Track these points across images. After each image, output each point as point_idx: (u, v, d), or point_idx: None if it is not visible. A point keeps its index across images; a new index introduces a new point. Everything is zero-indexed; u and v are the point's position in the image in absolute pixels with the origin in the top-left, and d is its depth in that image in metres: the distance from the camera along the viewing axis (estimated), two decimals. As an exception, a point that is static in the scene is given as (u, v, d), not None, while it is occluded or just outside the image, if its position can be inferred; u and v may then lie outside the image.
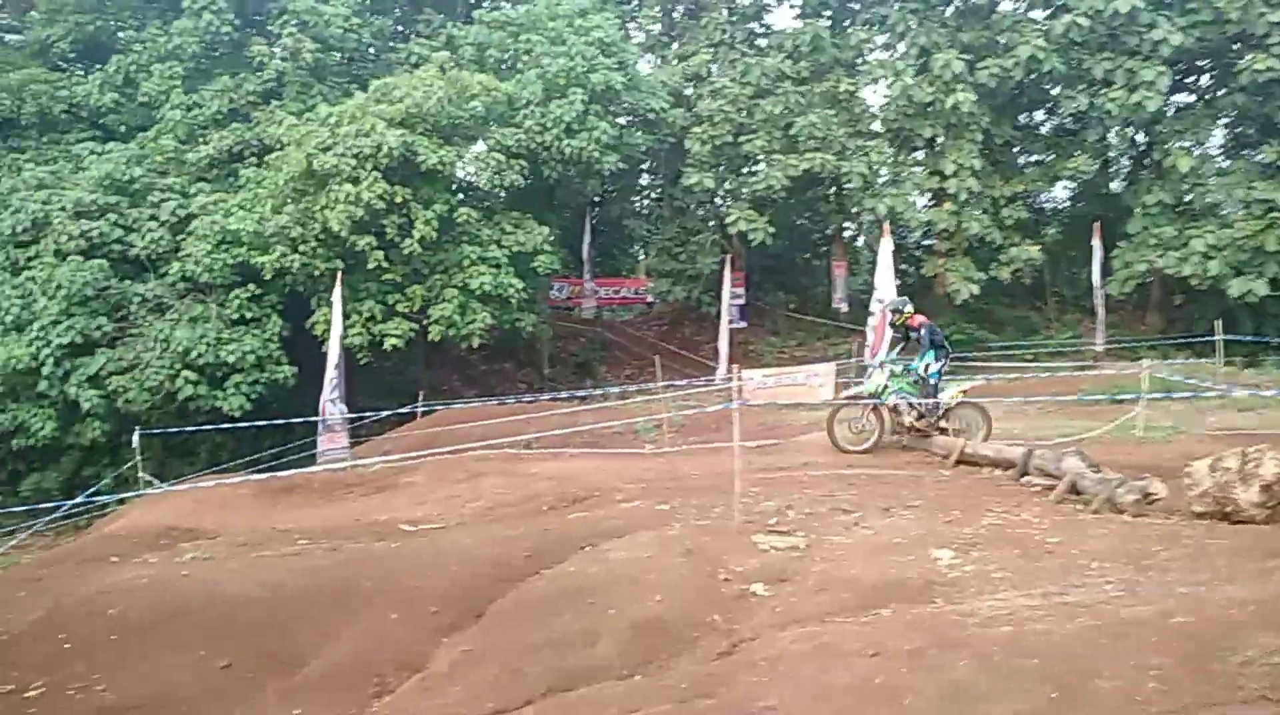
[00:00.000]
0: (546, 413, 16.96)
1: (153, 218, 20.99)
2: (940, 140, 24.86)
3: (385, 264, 20.71)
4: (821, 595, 6.51)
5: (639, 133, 25.66)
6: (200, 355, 19.80)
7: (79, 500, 12.75)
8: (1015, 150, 27.59)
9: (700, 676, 5.56)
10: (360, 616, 7.19)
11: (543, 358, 26.95)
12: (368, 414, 19.02)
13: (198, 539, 9.42)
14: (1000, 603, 6.09)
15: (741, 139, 24.59)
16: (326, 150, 20.16)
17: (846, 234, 28.68)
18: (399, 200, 20.52)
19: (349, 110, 20.91)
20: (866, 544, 7.59)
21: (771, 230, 24.43)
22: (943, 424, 11.87)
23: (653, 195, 32.89)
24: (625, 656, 6.03)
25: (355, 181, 20.01)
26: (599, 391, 22.19)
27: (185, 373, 19.68)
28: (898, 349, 12.39)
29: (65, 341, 19.42)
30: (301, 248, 20.31)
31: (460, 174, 23.65)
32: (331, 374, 17.72)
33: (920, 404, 11.68)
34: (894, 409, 11.78)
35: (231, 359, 20.03)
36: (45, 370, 19.39)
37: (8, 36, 28.38)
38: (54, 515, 13.04)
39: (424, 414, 20.00)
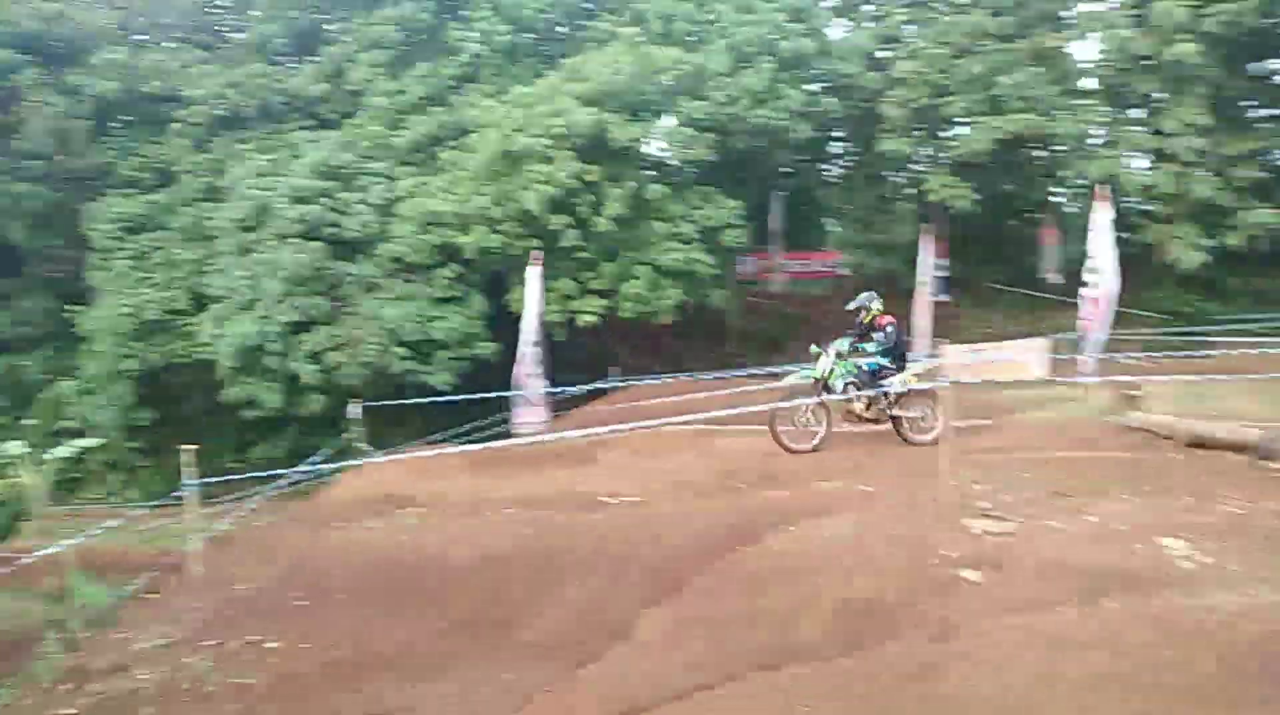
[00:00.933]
0: (736, 389, 16.87)
1: (362, 201, 22.19)
2: (1160, 96, 22.96)
3: (578, 242, 21.14)
4: (1040, 583, 6.18)
5: (831, 99, 25.02)
6: (409, 332, 20.90)
7: (305, 467, 13.68)
8: (1247, 103, 25.11)
9: (911, 662, 5.40)
10: (567, 583, 7.37)
11: (731, 333, 26.87)
12: (564, 389, 19.53)
13: (414, 505, 9.93)
14: (1244, 599, 5.60)
15: (941, 101, 23.55)
16: (520, 131, 20.75)
17: (1056, 200, 27.04)
18: (590, 179, 20.88)
19: (541, 91, 21.43)
20: (1088, 530, 7.14)
21: (974, 197, 23.33)
22: (896, 412, 11.31)
23: (845, 164, 32.01)
24: (831, 637, 5.92)
25: (548, 161, 20.51)
26: (791, 368, 21.93)
27: (396, 349, 20.82)
28: (849, 342, 11.67)
29: (287, 319, 20.87)
30: (500, 228, 21.00)
31: (649, 150, 23.80)
32: (528, 350, 18.29)
33: (871, 392, 11.21)
34: (846, 397, 11.23)
35: (438, 335, 21.04)
36: (270, 347, 20.93)
37: (232, 35, 30.62)
38: (285, 482, 14.04)
39: (615, 389, 20.37)
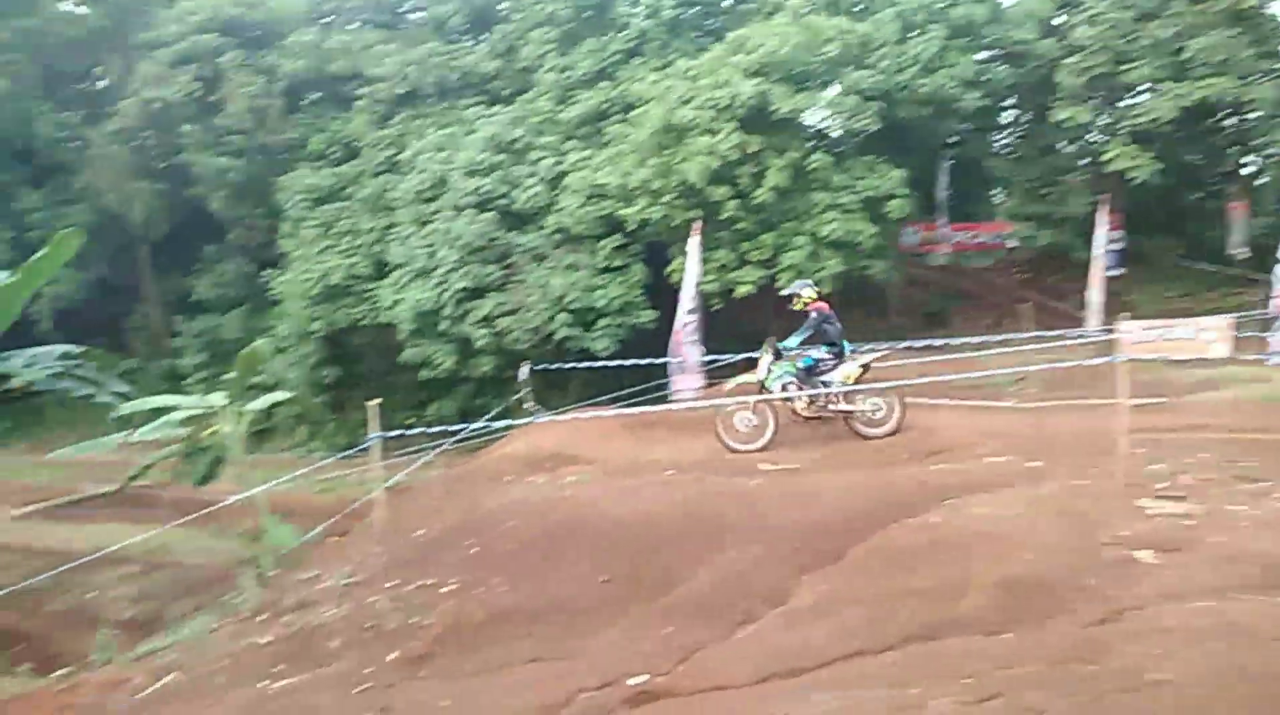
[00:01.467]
0: (896, 362, 16.59)
1: (532, 174, 22.92)
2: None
3: (738, 213, 21.18)
4: (1219, 568, 5.93)
5: (1002, 67, 24.06)
6: (573, 300, 21.54)
7: (478, 424, 14.35)
8: None
9: (1077, 640, 5.29)
10: (725, 547, 7.56)
11: (891, 305, 26.35)
12: (720, 357, 19.70)
13: (577, 464, 10.33)
14: None
15: (1122, 68, 22.25)
16: (685, 104, 20.93)
17: (1247, 170, 25.17)
18: (752, 150, 20.86)
19: (706, 64, 21.50)
20: (1274, 516, 6.79)
21: (1156, 167, 22.00)
22: (846, 406, 10.95)
23: (1016, 133, 30.68)
24: (993, 612, 5.84)
25: (712, 133, 20.60)
26: (955, 341, 21.38)
27: (560, 316, 21.51)
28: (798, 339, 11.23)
29: (461, 286, 21.89)
30: (662, 199, 21.27)
31: (812, 120, 23.53)
32: (686, 318, 18.51)
33: (810, 391, 10.90)
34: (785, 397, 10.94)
35: (600, 304, 21.60)
36: (445, 311, 22.02)
37: (411, 16, 31.98)
38: (457, 438, 14.77)
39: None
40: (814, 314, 11.29)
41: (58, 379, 14.41)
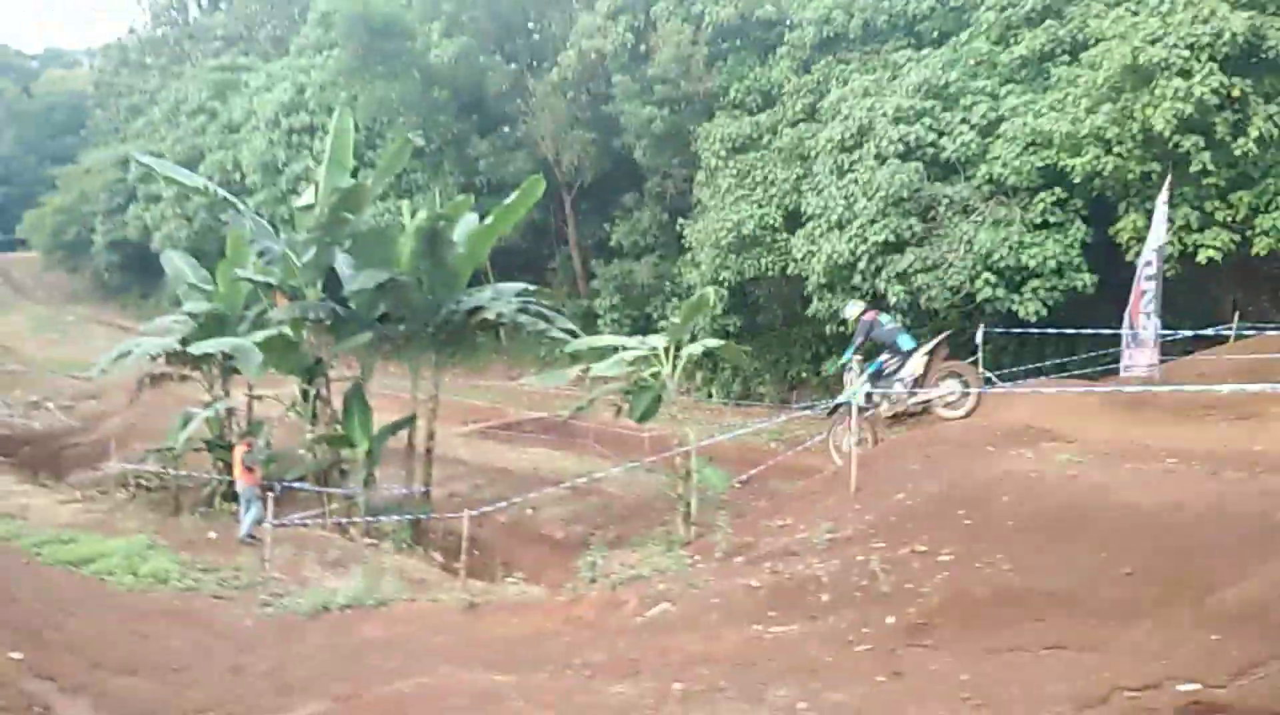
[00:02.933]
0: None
1: (963, 121, 21.52)
2: None
3: (1209, 167, 18.48)
4: None
5: None
6: (1000, 258, 20.06)
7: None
8: None
9: None
10: (1275, 554, 6.44)
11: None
12: (1179, 332, 17.47)
13: (1056, 441, 9.43)
14: None
15: None
16: (1155, 42, 18.45)
17: None
18: (1235, 94, 18.03)
19: (1185, -6, 18.80)
20: None
21: None
22: (923, 397, 11.27)
23: None
24: None
25: (1186, 75, 18.03)
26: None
27: (985, 275, 20.14)
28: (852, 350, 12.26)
29: (879, 239, 21.14)
30: (1116, 149, 19.07)
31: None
32: (1144, 285, 16.52)
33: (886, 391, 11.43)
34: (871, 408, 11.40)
35: (1031, 263, 19.94)
36: (860, 265, 21.44)
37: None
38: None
39: (1240, 337, 17.72)
40: (860, 325, 12.40)
41: (521, 314, 15.86)
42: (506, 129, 34.75)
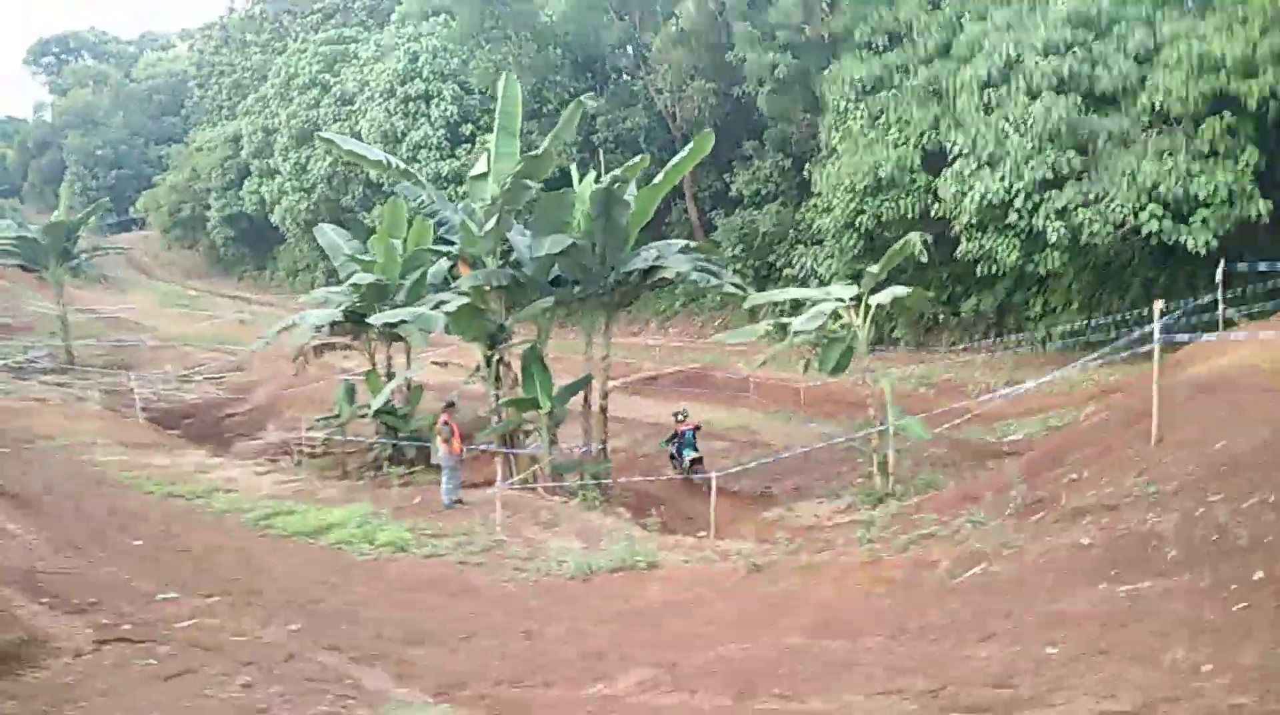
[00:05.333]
0: None
1: (1119, 50, 20.67)
2: None
3: None
4: None
5: None
6: (1166, 189, 19.32)
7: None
8: None
9: None
10: None
11: None
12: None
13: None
14: None
15: None
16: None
17: None
18: None
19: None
20: None
21: None
22: None
23: None
24: None
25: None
26: None
27: (1150, 206, 19.44)
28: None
29: (1035, 176, 20.53)
30: (1295, 69, 18.15)
31: None
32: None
33: None
34: None
35: (1201, 194, 19.16)
36: (1015, 203, 20.85)
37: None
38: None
39: None
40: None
41: (694, 270, 15.81)
42: (622, 84, 34.48)
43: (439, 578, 9.93)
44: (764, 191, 31.68)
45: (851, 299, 14.40)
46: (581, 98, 18.47)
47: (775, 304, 18.31)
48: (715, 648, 6.58)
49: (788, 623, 6.79)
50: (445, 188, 32.50)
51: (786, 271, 29.79)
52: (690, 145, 15.19)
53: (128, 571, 10.94)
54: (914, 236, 13.91)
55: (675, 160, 15.46)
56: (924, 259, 15.32)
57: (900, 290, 14.35)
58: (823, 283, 27.07)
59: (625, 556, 9.15)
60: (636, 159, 14.69)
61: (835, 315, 14.10)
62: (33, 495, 14.14)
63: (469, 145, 36.06)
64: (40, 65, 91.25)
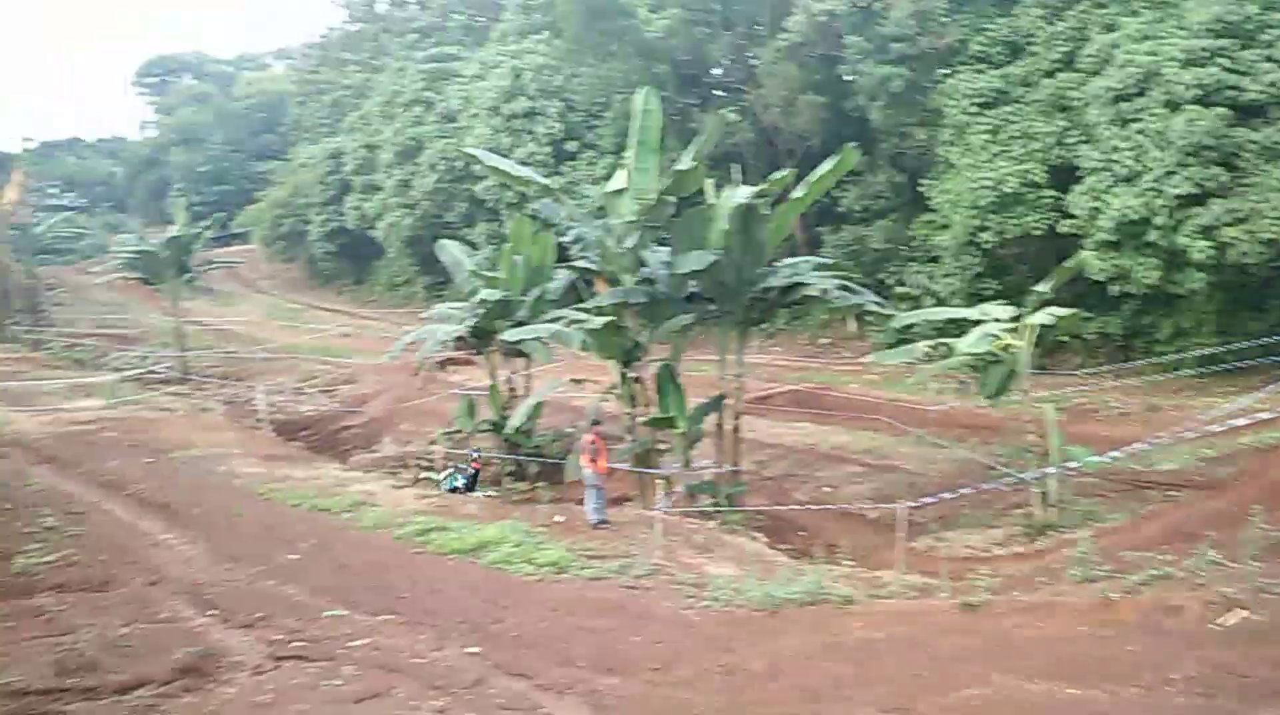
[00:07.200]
0: None
1: (1268, 59, 19.80)
2: None
3: None
4: None
5: None
6: (1323, 206, 18.44)
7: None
8: None
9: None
10: None
11: None
12: None
13: None
14: None
15: None
16: None
17: None
18: None
19: None
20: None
21: None
22: None
23: None
24: None
25: None
26: None
27: (1305, 223, 18.57)
28: None
29: (1178, 192, 19.74)
30: None
31: None
32: None
33: None
34: None
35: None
36: (1156, 221, 20.06)
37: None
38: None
39: None
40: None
41: (836, 288, 15.52)
42: (729, 100, 34.25)
43: (611, 602, 9.73)
44: (874, 207, 31.12)
45: (1010, 319, 13.91)
46: (720, 111, 18.29)
47: (906, 326, 17.77)
48: (947, 692, 6.24)
49: (1023, 666, 6.42)
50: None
51: (898, 289, 29.19)
52: (836, 159, 14.88)
53: (288, 586, 11.02)
54: (1086, 255, 13.38)
55: (817, 173, 15.18)
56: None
57: (1059, 311, 13.80)
58: (940, 301, 26.47)
59: (815, 589, 8.83)
60: (780, 174, 14.45)
61: (992, 337, 13.62)
62: (183, 507, 14.43)
63: (573, 162, 36.22)
64: (147, 86, 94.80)
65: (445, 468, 18.68)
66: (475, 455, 18.77)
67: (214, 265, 42.20)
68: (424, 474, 19.58)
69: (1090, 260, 13.98)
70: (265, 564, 11.80)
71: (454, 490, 18.30)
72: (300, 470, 17.63)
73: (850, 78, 29.19)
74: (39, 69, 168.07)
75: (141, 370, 31.46)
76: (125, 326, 40.97)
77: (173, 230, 34.54)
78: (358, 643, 9.08)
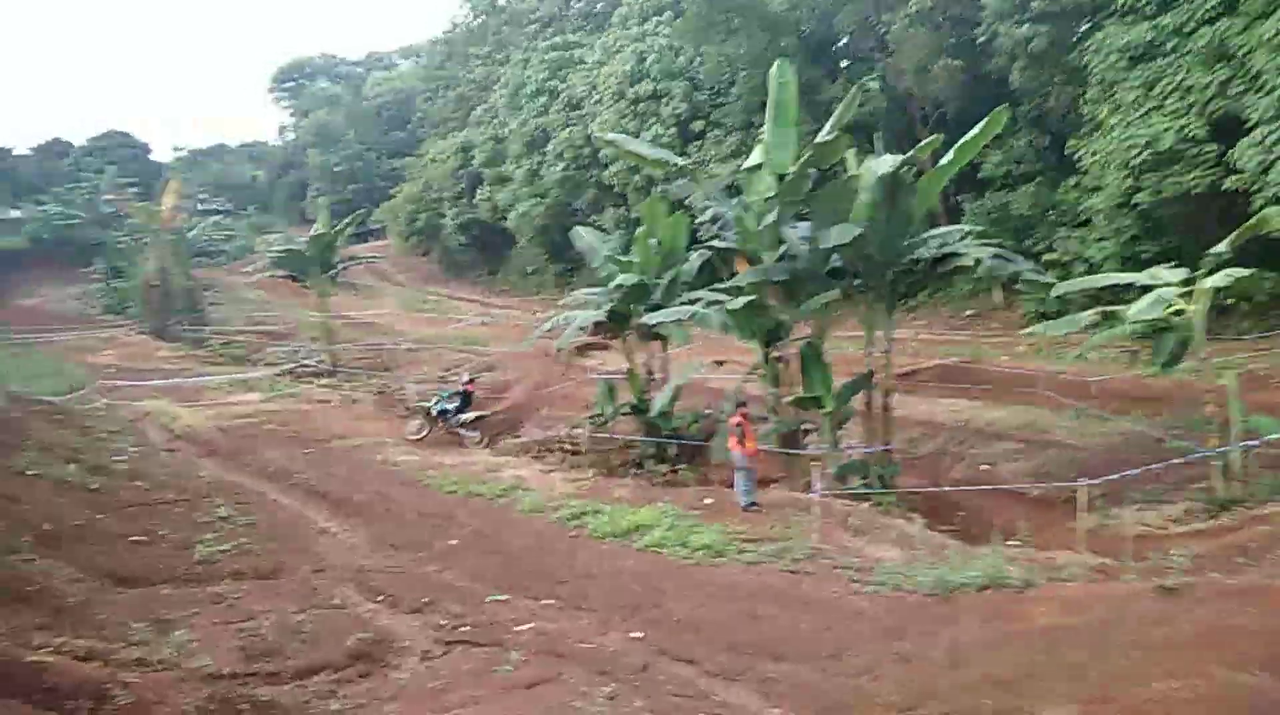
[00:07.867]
0: None
1: None
2: None
3: None
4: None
5: None
6: None
7: None
8: None
9: None
10: None
11: None
12: None
13: None
14: None
15: None
16: None
17: None
18: None
19: None
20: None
21: None
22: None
23: None
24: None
25: None
26: None
27: None
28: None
29: (1363, 139, 18.17)
30: None
31: None
32: None
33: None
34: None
35: None
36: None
37: None
38: None
39: None
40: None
41: (991, 258, 14.84)
42: (858, 69, 33.38)
43: (774, 587, 9.55)
44: (1016, 172, 29.79)
45: (1181, 282, 13.00)
46: (862, 80, 17.72)
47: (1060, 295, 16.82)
48: (1150, 683, 5.82)
49: (1236, 657, 5.93)
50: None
51: (1048, 256, 27.85)
52: (984, 122, 14.16)
53: (450, 572, 11.22)
54: (1270, 211, 12.37)
55: (967, 137, 14.50)
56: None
57: (1237, 272, 12.78)
58: (1093, 267, 25.12)
59: (993, 572, 8.44)
60: (930, 138, 13.89)
61: (1165, 302, 12.74)
62: (343, 495, 14.91)
63: (699, 142, 35.96)
64: (284, 91, 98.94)
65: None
66: (468, 379, 22.73)
67: (356, 261, 43.68)
68: (416, 403, 23.56)
69: (1273, 216, 12.84)
70: (425, 550, 12.06)
71: (444, 413, 21.00)
72: (452, 457, 18.03)
73: (986, 39, 27.93)
74: (182, 78, 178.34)
75: (293, 364, 32.81)
76: (275, 323, 42.82)
77: (316, 229, 35.90)
78: (522, 627, 9.15)
